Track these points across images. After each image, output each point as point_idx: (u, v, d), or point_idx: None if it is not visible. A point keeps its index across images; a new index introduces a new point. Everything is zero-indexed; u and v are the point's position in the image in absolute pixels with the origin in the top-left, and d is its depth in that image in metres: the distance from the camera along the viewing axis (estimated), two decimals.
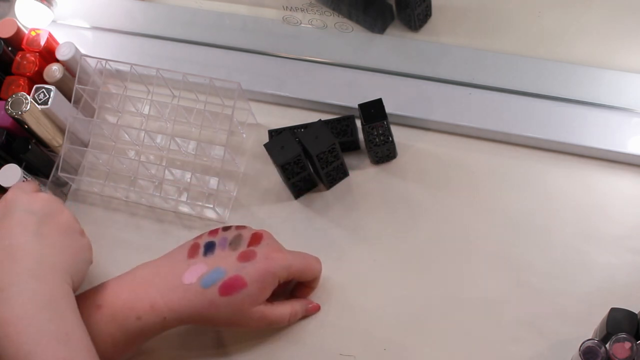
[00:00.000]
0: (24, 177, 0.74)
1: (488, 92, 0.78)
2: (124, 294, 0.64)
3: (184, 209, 0.79)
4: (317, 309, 0.71)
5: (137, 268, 0.67)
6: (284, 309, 0.69)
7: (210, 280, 0.64)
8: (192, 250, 0.67)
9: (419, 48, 0.81)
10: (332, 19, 0.81)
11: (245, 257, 0.65)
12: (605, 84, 0.76)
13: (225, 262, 0.65)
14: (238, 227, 0.69)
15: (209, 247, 0.67)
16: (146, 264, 0.67)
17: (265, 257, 0.65)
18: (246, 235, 0.67)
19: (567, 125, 0.75)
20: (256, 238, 0.67)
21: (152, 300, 0.63)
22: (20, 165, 0.75)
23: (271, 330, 0.71)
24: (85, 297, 0.65)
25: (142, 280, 0.65)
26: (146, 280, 0.65)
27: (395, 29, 0.83)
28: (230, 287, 0.64)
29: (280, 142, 0.72)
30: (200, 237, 0.69)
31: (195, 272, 0.65)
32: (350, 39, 0.82)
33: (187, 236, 0.77)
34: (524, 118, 0.76)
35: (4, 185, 0.74)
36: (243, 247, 0.66)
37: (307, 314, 0.71)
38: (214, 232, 0.69)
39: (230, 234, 0.68)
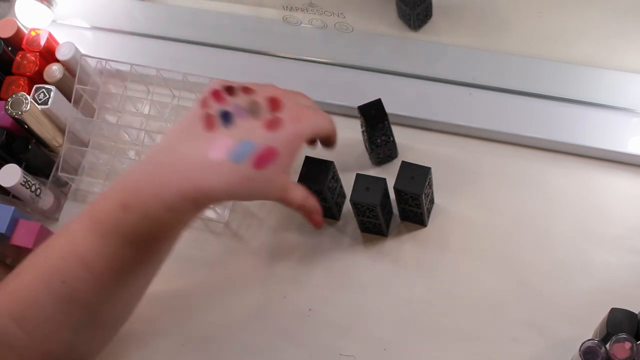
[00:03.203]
0: (24, 177, 0.74)
1: (488, 92, 0.78)
2: (147, 186, 0.58)
3: None
4: (319, 223, 0.67)
5: (151, 153, 0.61)
6: (301, 191, 0.64)
7: (241, 154, 0.58)
8: (208, 122, 0.60)
9: (419, 48, 0.81)
10: (332, 19, 0.81)
11: (273, 126, 0.60)
12: (605, 84, 0.76)
13: (253, 134, 0.59)
14: (245, 90, 0.62)
15: (227, 117, 0.60)
16: (160, 147, 0.61)
17: (292, 121, 0.60)
18: (261, 100, 0.61)
19: (567, 125, 0.75)
20: (275, 103, 0.61)
21: (180, 187, 0.57)
22: (20, 165, 0.75)
23: (270, 329, 0.71)
24: (108, 199, 0.59)
25: (162, 168, 0.59)
26: (167, 165, 0.59)
27: (395, 29, 0.83)
28: (264, 159, 0.59)
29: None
30: (205, 103, 0.61)
31: (222, 146, 0.58)
32: (350, 39, 0.82)
33: (186, 236, 0.77)
34: (524, 118, 0.76)
35: (4, 185, 0.74)
36: (266, 115, 0.60)
37: (310, 216, 0.66)
38: (219, 97, 0.61)
39: (242, 101, 0.61)
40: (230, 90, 0.62)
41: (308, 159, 0.70)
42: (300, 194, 0.64)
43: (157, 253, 0.62)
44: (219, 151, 0.58)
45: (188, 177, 0.58)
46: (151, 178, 0.59)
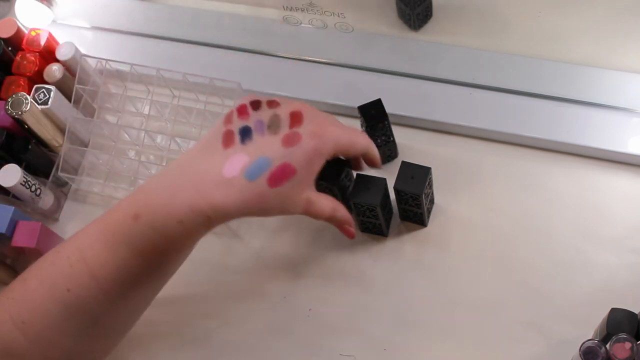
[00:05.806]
0: (24, 177, 0.74)
1: (488, 92, 0.78)
2: (160, 198, 0.58)
3: None
4: (352, 234, 0.66)
5: (169, 166, 0.61)
6: (328, 201, 0.63)
7: (256, 171, 0.58)
8: (227, 139, 0.60)
9: (419, 48, 0.81)
10: (332, 19, 0.81)
11: (290, 142, 0.59)
12: (605, 84, 0.76)
13: (270, 150, 0.59)
14: (270, 104, 0.61)
15: (246, 133, 0.60)
16: (178, 161, 0.61)
17: (311, 137, 0.59)
18: (284, 114, 0.60)
19: (567, 125, 0.75)
20: (296, 118, 0.60)
21: (191, 201, 0.57)
22: (20, 165, 0.75)
23: (270, 329, 0.71)
24: (121, 209, 0.59)
25: (176, 181, 0.59)
26: (181, 179, 0.59)
27: (395, 29, 0.83)
28: (279, 176, 0.58)
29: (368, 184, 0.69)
30: (229, 120, 0.61)
31: (237, 163, 0.58)
32: (350, 39, 0.82)
33: None
34: (524, 118, 0.76)
35: (4, 185, 0.74)
36: (285, 130, 0.60)
37: (341, 226, 0.66)
38: (243, 113, 0.61)
39: (264, 115, 0.61)
40: (255, 104, 0.62)
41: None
42: (327, 205, 0.63)
43: (164, 267, 0.62)
44: (233, 168, 0.58)
45: (200, 192, 0.58)
46: (164, 190, 0.59)
